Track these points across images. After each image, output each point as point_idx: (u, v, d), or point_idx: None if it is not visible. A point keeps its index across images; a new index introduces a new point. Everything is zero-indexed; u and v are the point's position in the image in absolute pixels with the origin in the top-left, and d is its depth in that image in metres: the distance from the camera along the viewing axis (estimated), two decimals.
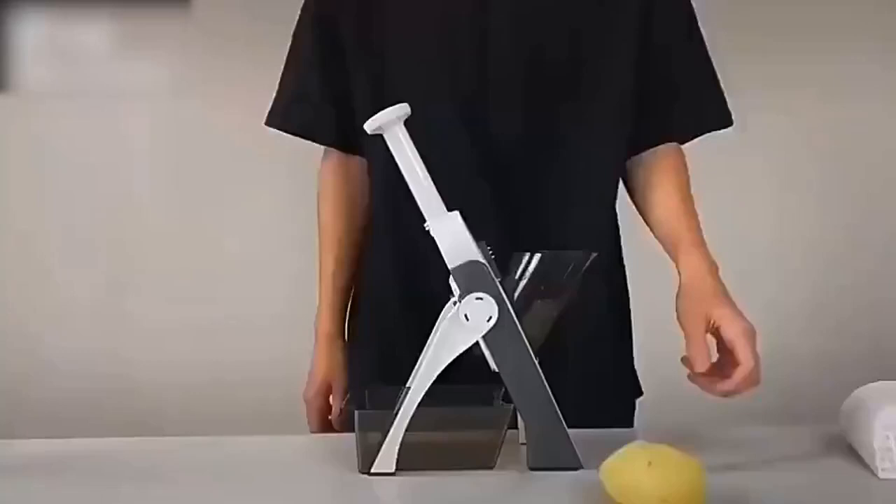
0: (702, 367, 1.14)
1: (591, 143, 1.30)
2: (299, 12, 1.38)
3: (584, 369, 1.30)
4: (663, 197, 1.32)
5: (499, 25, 1.27)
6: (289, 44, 1.42)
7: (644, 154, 1.34)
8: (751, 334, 1.15)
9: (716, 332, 1.17)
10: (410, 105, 1.06)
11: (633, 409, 1.39)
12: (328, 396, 1.38)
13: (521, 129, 1.27)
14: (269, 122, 1.39)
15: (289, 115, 1.38)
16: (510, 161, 1.27)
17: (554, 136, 1.28)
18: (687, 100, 1.34)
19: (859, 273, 2.28)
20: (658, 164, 1.34)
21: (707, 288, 1.21)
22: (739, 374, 1.12)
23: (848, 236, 2.28)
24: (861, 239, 2.29)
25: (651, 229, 1.34)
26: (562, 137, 1.29)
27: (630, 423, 1.37)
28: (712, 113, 1.36)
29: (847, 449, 1.10)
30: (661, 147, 1.35)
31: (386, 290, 1.34)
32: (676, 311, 1.21)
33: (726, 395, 1.14)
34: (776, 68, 2.21)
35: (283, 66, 1.40)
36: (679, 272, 1.25)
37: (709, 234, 1.30)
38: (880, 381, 1.13)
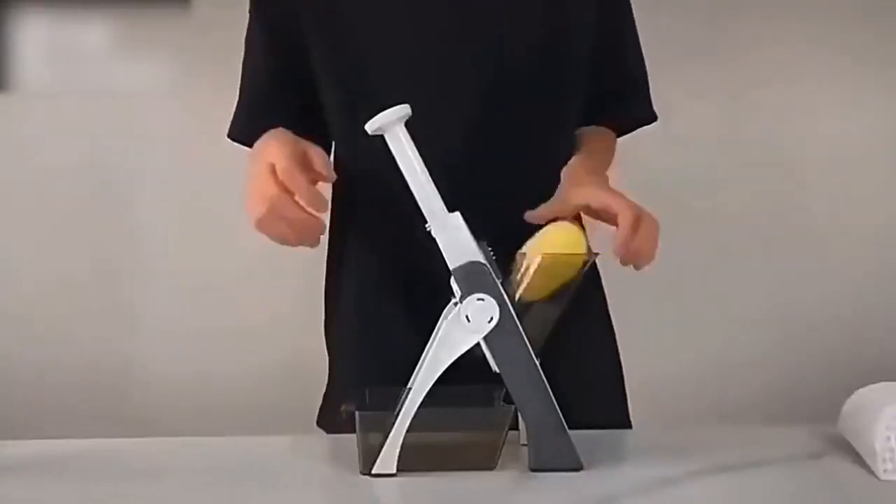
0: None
1: (562, 116, 1.32)
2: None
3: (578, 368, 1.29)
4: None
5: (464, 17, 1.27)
6: None
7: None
8: (627, 203, 1.16)
9: (590, 213, 1.21)
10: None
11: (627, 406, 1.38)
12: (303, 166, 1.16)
13: (497, 104, 1.26)
14: (231, 134, 1.37)
15: (251, 123, 1.32)
16: (485, 135, 1.27)
17: (532, 107, 1.28)
18: (622, 92, 1.38)
19: (861, 272, 2.27)
20: (585, 136, 1.35)
21: (578, 170, 1.24)
22: (622, 223, 1.14)
23: (850, 235, 2.28)
24: (864, 238, 2.28)
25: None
26: (538, 108, 1.29)
27: (626, 420, 1.36)
28: (641, 108, 1.40)
29: (848, 450, 1.10)
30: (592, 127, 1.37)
31: (373, 290, 1.33)
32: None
33: (627, 256, 1.15)
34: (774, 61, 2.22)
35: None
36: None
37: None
38: (883, 382, 1.13)
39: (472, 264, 1.04)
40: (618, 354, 1.39)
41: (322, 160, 1.17)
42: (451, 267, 1.04)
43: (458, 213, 1.05)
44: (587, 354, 1.33)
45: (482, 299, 1.03)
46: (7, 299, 2.20)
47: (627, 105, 1.40)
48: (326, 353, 1.39)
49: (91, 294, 2.22)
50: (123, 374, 2.21)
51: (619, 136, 1.41)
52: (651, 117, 1.42)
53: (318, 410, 1.37)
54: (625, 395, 1.38)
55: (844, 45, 2.25)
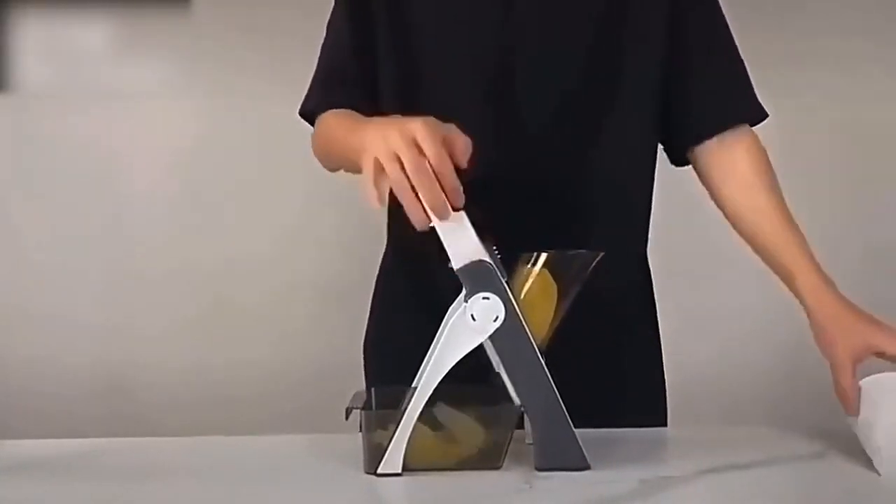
0: (852, 401, 1.09)
1: (619, 130, 1.29)
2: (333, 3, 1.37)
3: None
4: (755, 202, 1.26)
5: (523, 9, 1.27)
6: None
7: (710, 143, 1.31)
8: None
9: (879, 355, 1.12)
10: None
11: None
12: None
13: (548, 116, 1.27)
14: (304, 109, 1.34)
15: (327, 95, 1.31)
16: (538, 147, 1.26)
17: (582, 121, 1.27)
18: (719, 91, 1.32)
19: (870, 271, 2.26)
20: (732, 155, 1.29)
21: (848, 316, 1.14)
22: None
23: (855, 237, 2.27)
24: (867, 240, 2.28)
25: (744, 237, 1.29)
26: (590, 123, 1.28)
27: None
28: (744, 104, 1.34)
29: (851, 449, 1.10)
30: (728, 134, 1.30)
31: (397, 295, 1.34)
32: (818, 343, 1.15)
33: None
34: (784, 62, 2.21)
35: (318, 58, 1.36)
36: (804, 301, 1.20)
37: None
38: (886, 373, 1.11)
39: (478, 263, 1.03)
40: (661, 359, 1.38)
41: (465, 146, 1.01)
42: (455, 266, 1.03)
43: (462, 213, 1.05)
44: (630, 357, 1.33)
45: (487, 298, 1.03)
46: (7, 299, 2.19)
47: (728, 103, 1.31)
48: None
49: (91, 293, 2.21)
50: (124, 374, 2.20)
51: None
52: (757, 114, 1.33)
53: None
54: (664, 398, 1.38)
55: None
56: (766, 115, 1.34)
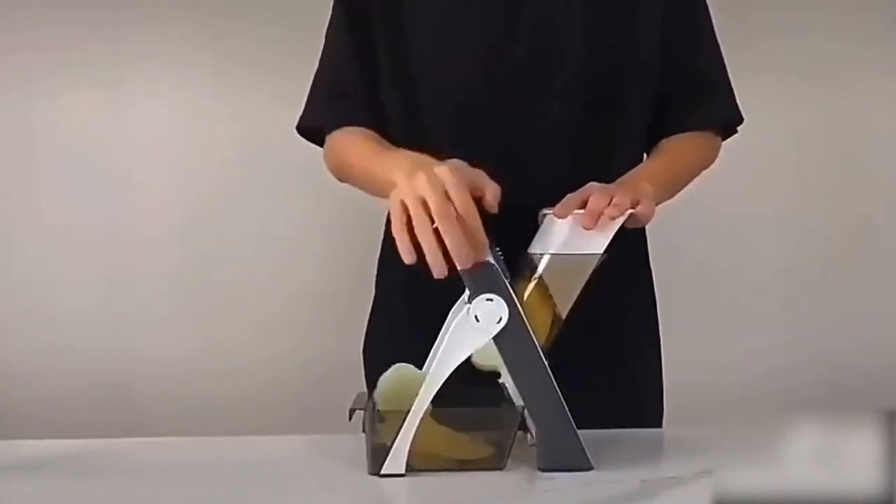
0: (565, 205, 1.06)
1: (622, 140, 1.28)
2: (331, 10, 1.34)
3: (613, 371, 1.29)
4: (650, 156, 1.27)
5: (524, 24, 1.25)
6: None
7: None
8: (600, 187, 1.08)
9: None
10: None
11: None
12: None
13: (550, 129, 1.26)
14: (305, 123, 1.32)
15: (335, 111, 1.29)
16: (539, 160, 1.25)
17: (585, 134, 1.27)
18: (696, 91, 1.32)
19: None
20: (677, 137, 1.30)
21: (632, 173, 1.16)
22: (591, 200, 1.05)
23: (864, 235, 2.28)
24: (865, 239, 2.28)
25: None
26: (593, 136, 1.27)
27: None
28: (720, 107, 1.34)
29: None
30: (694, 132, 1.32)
31: (398, 297, 1.34)
32: None
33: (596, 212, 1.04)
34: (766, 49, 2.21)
35: (316, 68, 1.34)
36: None
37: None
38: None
39: (481, 264, 1.03)
40: (660, 363, 1.38)
41: (494, 193, 1.04)
42: (459, 267, 1.04)
43: None
44: (632, 360, 1.33)
45: (491, 300, 1.03)
46: (7, 299, 2.18)
47: (704, 104, 1.31)
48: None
49: (90, 294, 2.21)
50: (123, 375, 2.20)
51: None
52: (730, 117, 1.33)
53: None
54: (662, 399, 1.38)
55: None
56: (738, 122, 1.34)
